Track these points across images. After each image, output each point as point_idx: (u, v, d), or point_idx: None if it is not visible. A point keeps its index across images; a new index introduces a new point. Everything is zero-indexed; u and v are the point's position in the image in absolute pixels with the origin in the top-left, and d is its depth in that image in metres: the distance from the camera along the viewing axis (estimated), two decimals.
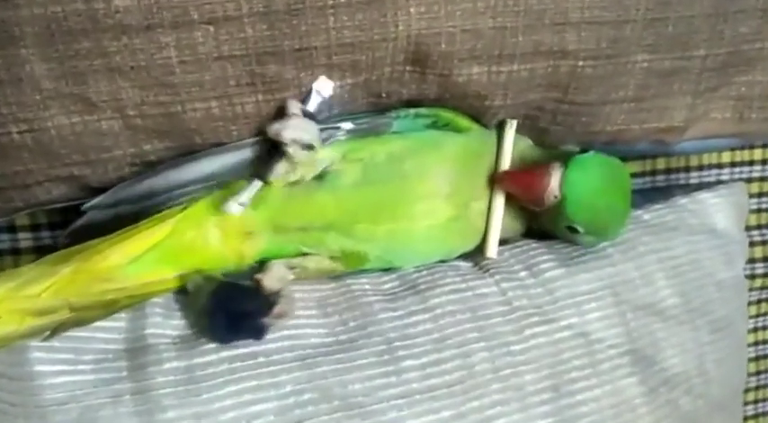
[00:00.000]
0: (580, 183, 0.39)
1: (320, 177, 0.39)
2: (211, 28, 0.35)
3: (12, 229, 0.47)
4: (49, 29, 0.34)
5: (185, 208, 0.38)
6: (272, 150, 0.38)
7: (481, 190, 0.43)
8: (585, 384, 0.40)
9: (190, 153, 0.40)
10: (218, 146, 0.40)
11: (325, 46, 0.37)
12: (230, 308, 0.35)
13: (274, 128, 0.37)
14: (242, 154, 0.39)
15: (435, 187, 0.40)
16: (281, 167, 0.37)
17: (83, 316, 0.35)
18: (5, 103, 0.35)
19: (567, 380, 0.40)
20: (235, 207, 0.36)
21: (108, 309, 0.36)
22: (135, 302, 0.37)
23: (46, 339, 0.34)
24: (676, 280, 0.45)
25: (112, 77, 0.36)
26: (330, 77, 0.39)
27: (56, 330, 0.34)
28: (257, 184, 0.37)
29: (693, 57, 0.44)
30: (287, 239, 0.40)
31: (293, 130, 0.37)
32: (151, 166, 0.40)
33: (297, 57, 0.37)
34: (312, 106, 0.38)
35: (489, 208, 0.43)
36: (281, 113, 0.38)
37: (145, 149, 0.39)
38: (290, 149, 0.36)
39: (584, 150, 0.41)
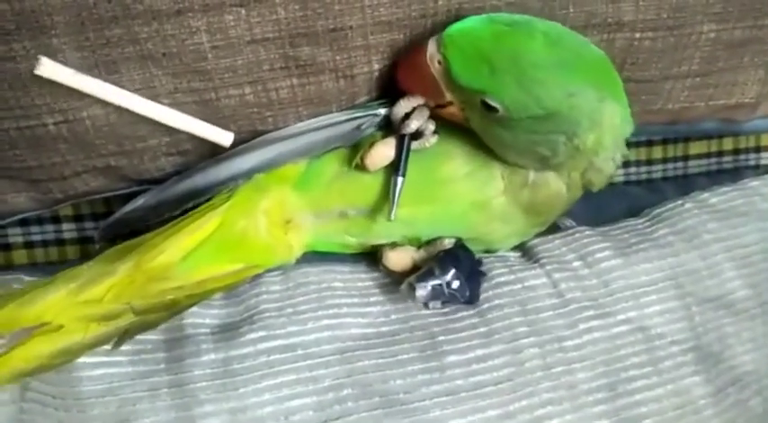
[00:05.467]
0: (461, 32, 0.34)
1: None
2: (243, 10, 0.35)
3: (56, 219, 0.48)
4: (79, 17, 0.33)
5: (230, 196, 0.38)
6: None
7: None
8: (645, 383, 0.38)
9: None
10: (253, 133, 0.39)
11: (360, 25, 0.36)
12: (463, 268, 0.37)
13: (413, 125, 0.37)
14: (282, 146, 0.39)
15: (457, 168, 0.39)
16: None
17: (146, 319, 0.35)
18: (40, 94, 0.35)
19: (624, 378, 0.38)
20: (393, 215, 0.37)
21: (170, 310, 0.35)
22: (195, 302, 0.36)
23: (114, 347, 0.34)
24: (746, 270, 0.43)
25: (145, 65, 0.35)
26: (368, 59, 0.37)
27: (122, 337, 0.34)
28: (400, 181, 0.37)
29: (767, 25, 0.41)
30: (331, 228, 0.40)
31: (431, 121, 0.38)
32: (186, 155, 0.40)
33: (331, 38, 0.36)
34: None
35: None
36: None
37: (180, 138, 0.39)
38: (433, 139, 0.38)
39: None
